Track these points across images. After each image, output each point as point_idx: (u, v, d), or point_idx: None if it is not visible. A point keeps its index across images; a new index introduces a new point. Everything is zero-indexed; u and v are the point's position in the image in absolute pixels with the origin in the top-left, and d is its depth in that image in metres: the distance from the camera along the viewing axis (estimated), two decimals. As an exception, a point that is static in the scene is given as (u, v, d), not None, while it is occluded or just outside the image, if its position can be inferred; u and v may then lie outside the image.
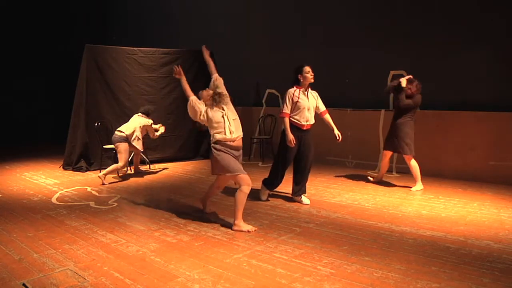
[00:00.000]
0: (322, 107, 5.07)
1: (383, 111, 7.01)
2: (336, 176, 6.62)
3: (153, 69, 8.06)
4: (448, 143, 6.34)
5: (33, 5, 12.58)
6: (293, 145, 4.81)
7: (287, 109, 4.85)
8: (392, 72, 7.00)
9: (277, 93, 8.62)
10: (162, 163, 8.05)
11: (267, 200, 5.22)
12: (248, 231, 4.01)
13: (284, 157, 4.98)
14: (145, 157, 7.58)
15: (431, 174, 6.41)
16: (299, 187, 5.10)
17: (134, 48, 7.97)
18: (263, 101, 8.91)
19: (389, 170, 6.84)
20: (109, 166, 6.35)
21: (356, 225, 4.21)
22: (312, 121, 4.95)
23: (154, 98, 8.06)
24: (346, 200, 5.20)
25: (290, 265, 3.25)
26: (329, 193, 5.57)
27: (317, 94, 5.08)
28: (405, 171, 6.70)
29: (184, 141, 8.45)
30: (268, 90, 8.81)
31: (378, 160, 7.04)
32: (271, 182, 5.18)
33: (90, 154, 7.37)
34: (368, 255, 3.42)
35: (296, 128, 4.87)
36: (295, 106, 4.83)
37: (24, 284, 2.95)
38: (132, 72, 7.85)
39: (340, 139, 5.02)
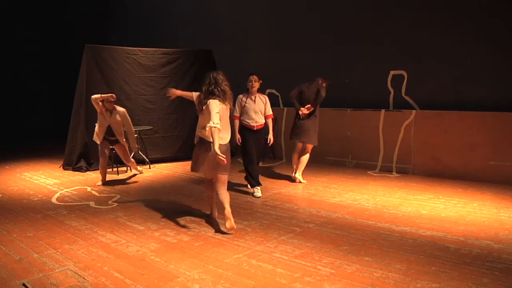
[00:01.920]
0: (268, 112, 5.54)
1: (383, 111, 7.00)
2: (336, 176, 6.61)
3: (153, 69, 8.05)
4: (448, 143, 6.33)
5: (33, 5, 12.58)
6: (239, 143, 5.41)
7: (236, 113, 5.42)
8: (392, 72, 7.00)
9: (277, 93, 8.61)
10: (162, 163, 8.05)
11: (260, 196, 5.42)
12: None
13: (245, 153, 5.48)
14: (145, 157, 7.58)
15: (431, 174, 6.40)
16: (254, 179, 5.49)
17: (134, 48, 7.97)
18: (263, 101, 8.90)
19: (389, 170, 6.85)
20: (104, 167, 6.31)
21: (356, 225, 4.21)
22: (260, 122, 5.47)
23: (154, 98, 8.06)
24: (346, 200, 5.20)
25: (290, 265, 3.25)
26: (329, 193, 5.57)
27: (266, 99, 5.55)
28: (405, 171, 6.71)
29: (184, 141, 8.43)
30: (268, 90, 8.79)
31: (378, 160, 7.03)
32: (250, 178, 5.50)
33: (90, 154, 7.36)
34: (368, 255, 3.42)
35: (247, 129, 5.40)
36: (243, 110, 5.41)
37: (24, 284, 2.95)
38: (132, 72, 7.85)
39: (270, 143, 5.60)
